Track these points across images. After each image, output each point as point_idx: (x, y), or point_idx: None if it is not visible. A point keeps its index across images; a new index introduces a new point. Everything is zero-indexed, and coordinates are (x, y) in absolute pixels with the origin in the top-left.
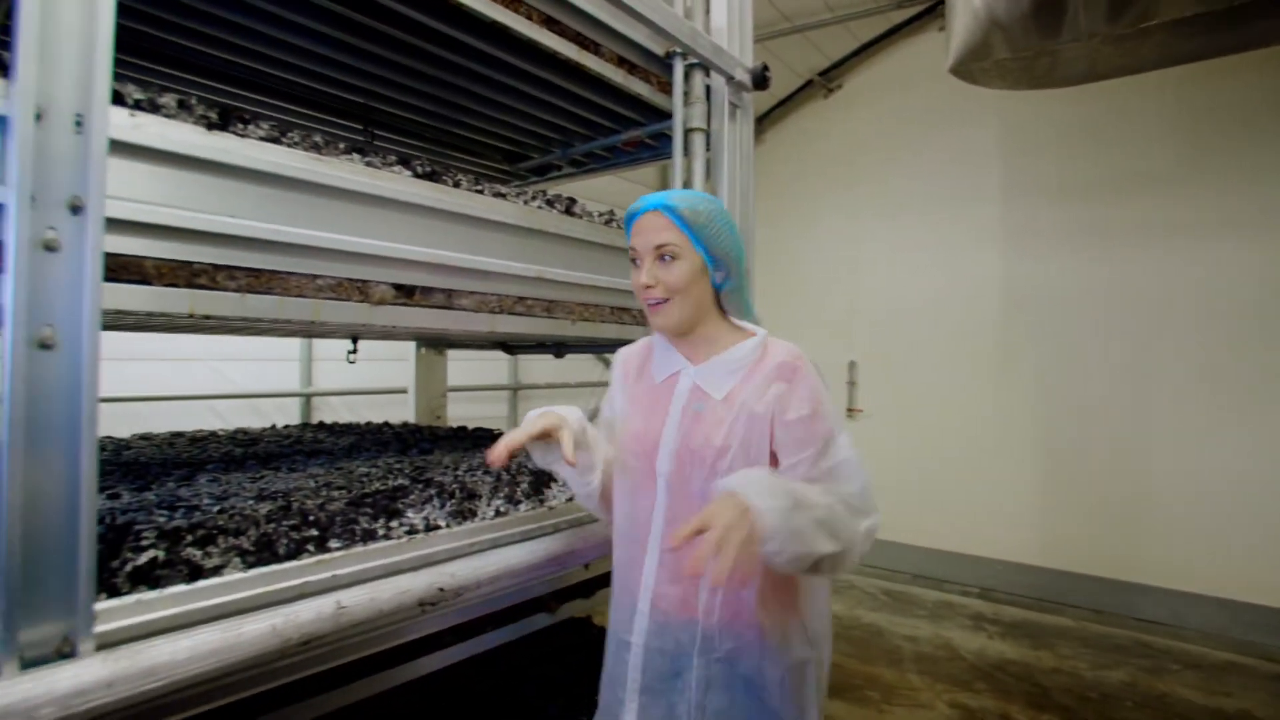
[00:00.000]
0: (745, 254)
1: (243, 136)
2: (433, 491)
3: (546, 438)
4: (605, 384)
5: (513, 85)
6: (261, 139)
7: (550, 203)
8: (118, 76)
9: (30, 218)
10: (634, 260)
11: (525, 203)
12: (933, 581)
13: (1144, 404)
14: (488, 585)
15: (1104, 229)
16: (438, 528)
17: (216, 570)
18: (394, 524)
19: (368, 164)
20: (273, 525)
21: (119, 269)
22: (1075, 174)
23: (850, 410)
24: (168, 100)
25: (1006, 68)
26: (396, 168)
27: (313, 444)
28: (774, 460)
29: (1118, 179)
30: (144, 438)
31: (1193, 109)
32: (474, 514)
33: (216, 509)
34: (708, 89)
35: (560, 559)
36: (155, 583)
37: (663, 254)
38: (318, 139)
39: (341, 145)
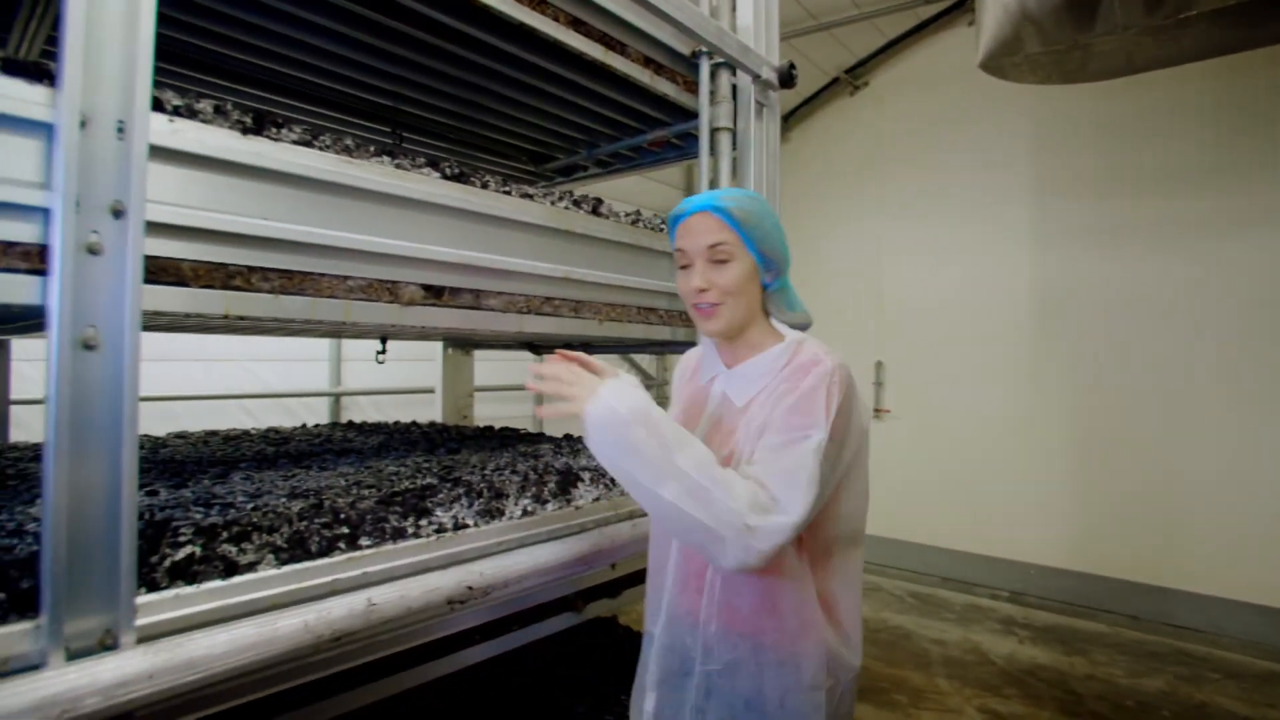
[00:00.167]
0: (790, 252)
1: (276, 140)
2: (461, 490)
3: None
4: None
5: (539, 86)
6: (294, 143)
7: (577, 203)
8: (156, 84)
9: (75, 222)
10: (682, 264)
11: (552, 203)
12: (961, 584)
13: (1180, 404)
14: (515, 584)
15: (1139, 226)
16: (466, 526)
17: (251, 566)
18: (423, 522)
19: (397, 166)
20: (305, 523)
21: (158, 271)
22: (1109, 170)
23: (876, 411)
24: (204, 106)
25: (1038, 62)
26: (425, 170)
27: (342, 443)
28: None
29: (1154, 175)
30: (180, 436)
31: (1233, 101)
32: (502, 513)
33: (250, 506)
34: (734, 88)
35: (587, 559)
36: (193, 578)
37: (716, 255)
38: (349, 142)
39: (372, 148)
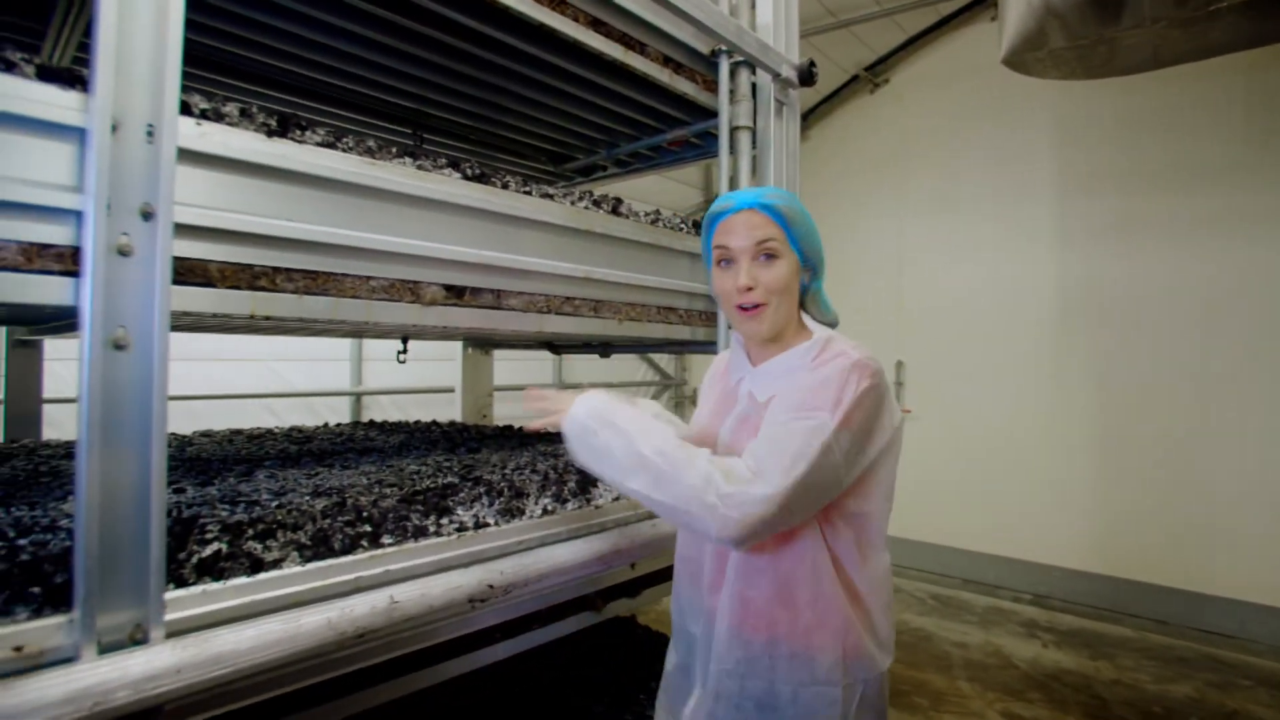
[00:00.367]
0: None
1: (300, 143)
2: (481, 489)
3: None
4: (649, 383)
5: (559, 87)
6: (318, 145)
7: (597, 203)
8: (184, 88)
9: (106, 224)
10: (721, 261)
11: (572, 203)
12: (983, 587)
13: (1208, 403)
14: (536, 583)
15: (1165, 223)
16: (487, 525)
17: (276, 563)
18: (444, 521)
19: (419, 168)
20: (328, 521)
21: (185, 272)
22: (1134, 166)
23: None
24: (231, 109)
25: (1062, 57)
26: (447, 170)
27: (364, 442)
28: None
29: (1180, 170)
30: (205, 434)
31: (1258, 96)
32: (522, 512)
33: (275, 504)
34: (753, 86)
35: (606, 558)
36: (219, 574)
37: (763, 251)
38: (371, 144)
39: (394, 150)
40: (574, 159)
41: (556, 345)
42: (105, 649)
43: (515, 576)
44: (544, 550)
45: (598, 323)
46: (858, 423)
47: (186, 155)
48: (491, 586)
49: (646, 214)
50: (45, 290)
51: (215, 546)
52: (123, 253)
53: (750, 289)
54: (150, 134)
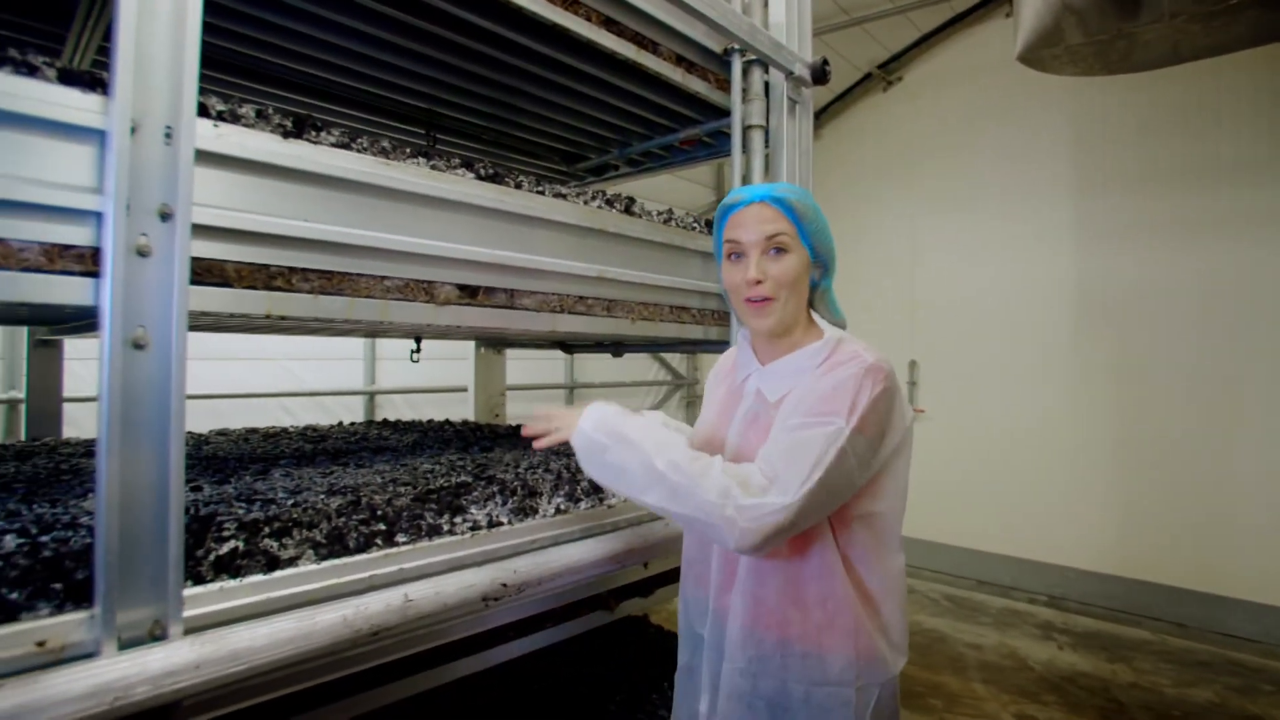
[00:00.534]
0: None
1: (315, 144)
2: (495, 488)
3: None
4: (661, 383)
5: (571, 86)
6: (333, 145)
7: (610, 202)
8: (201, 90)
9: (125, 225)
10: (731, 255)
11: (585, 203)
12: (998, 587)
13: (1227, 404)
14: (549, 582)
15: (1186, 221)
16: (500, 524)
17: (292, 561)
18: (458, 520)
19: (433, 168)
20: (343, 519)
21: (203, 272)
22: (1154, 164)
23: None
24: (247, 111)
25: (1079, 53)
26: (460, 170)
27: (378, 441)
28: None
29: (1201, 168)
30: (221, 433)
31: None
32: (535, 511)
33: (291, 502)
34: (766, 85)
35: (619, 557)
36: (236, 572)
37: (773, 245)
38: (385, 144)
39: (408, 150)
40: (586, 158)
41: (569, 345)
42: (125, 645)
43: (528, 575)
44: (557, 549)
45: (610, 322)
46: (872, 426)
47: (204, 156)
48: (505, 585)
49: (659, 213)
50: (66, 290)
51: (232, 544)
52: (142, 253)
53: (759, 282)
54: (168, 136)
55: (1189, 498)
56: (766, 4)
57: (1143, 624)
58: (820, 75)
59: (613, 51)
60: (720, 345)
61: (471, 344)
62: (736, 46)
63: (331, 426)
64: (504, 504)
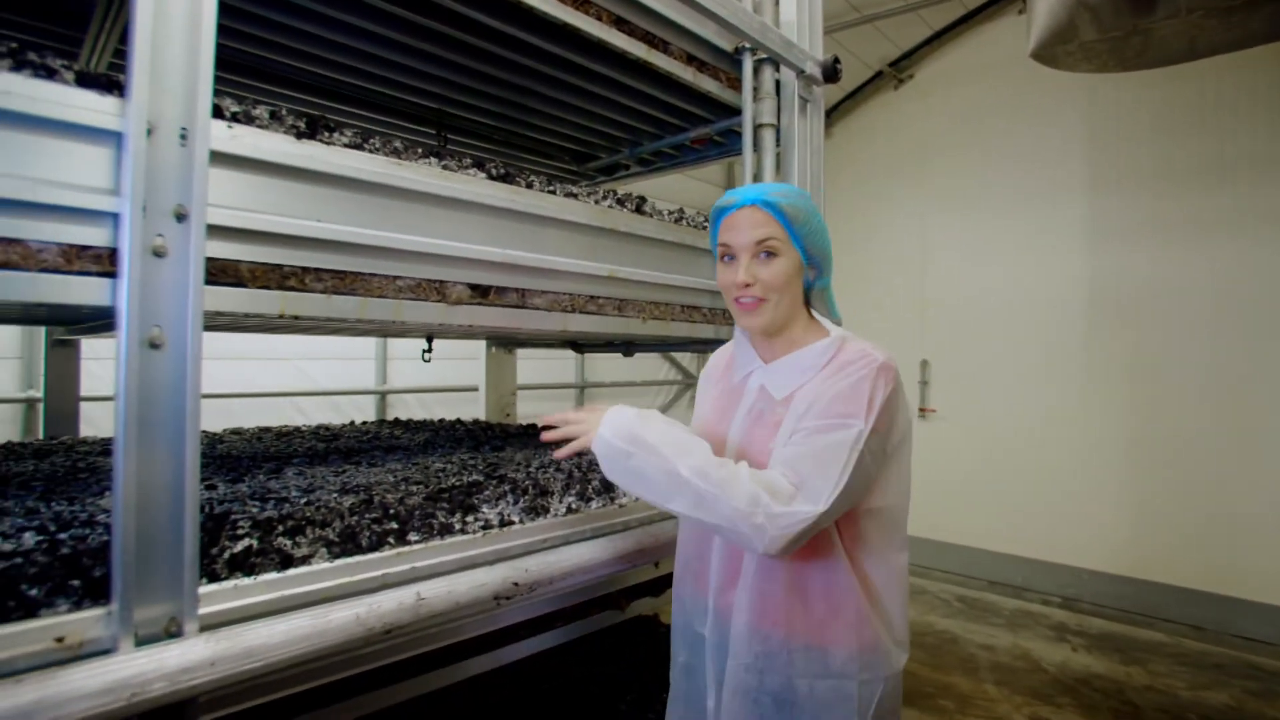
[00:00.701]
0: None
1: (328, 144)
2: (506, 487)
3: None
4: (671, 382)
5: (582, 86)
6: (345, 146)
7: (621, 202)
8: (215, 92)
9: (141, 226)
10: (724, 257)
11: (596, 202)
12: (1010, 588)
13: (1244, 404)
14: (560, 581)
15: (1200, 219)
16: (511, 523)
17: (305, 559)
18: (470, 519)
19: (445, 168)
20: (356, 518)
21: (217, 272)
22: (1169, 161)
23: (922, 410)
24: (261, 112)
25: (1093, 50)
26: (472, 170)
27: (390, 440)
28: None
29: (1217, 165)
30: (235, 432)
31: None
32: (546, 510)
33: (304, 501)
34: (777, 84)
35: (630, 556)
36: (250, 570)
37: (763, 250)
38: (397, 144)
39: (419, 150)
40: (597, 158)
41: (580, 344)
42: (142, 641)
43: (540, 574)
44: (568, 548)
45: (621, 321)
46: (884, 424)
47: (218, 158)
48: (517, 584)
49: (670, 212)
50: (84, 291)
51: (246, 542)
52: (158, 254)
53: (748, 285)
54: (184, 137)
55: (1204, 498)
56: (777, 2)
57: (1157, 626)
58: (831, 73)
59: (623, 51)
60: None
61: (483, 344)
62: (747, 45)
63: (344, 425)
64: (515, 503)
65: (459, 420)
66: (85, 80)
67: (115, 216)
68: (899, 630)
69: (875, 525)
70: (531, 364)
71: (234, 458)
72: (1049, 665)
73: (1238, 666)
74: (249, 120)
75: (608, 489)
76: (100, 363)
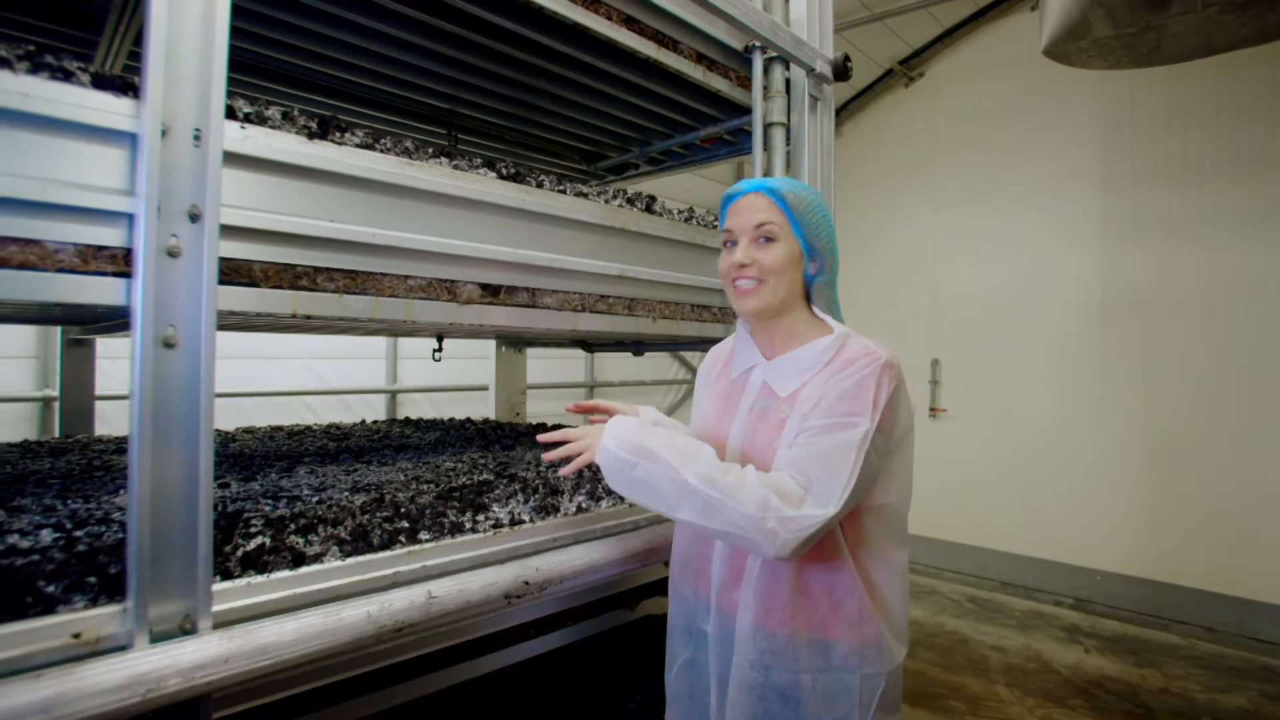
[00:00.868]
0: (839, 250)
1: (340, 145)
2: (517, 487)
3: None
4: (680, 381)
5: (592, 85)
6: (357, 146)
7: (631, 201)
8: (228, 93)
9: (156, 226)
10: (727, 242)
11: (606, 201)
12: (1022, 589)
13: (1260, 403)
14: (571, 580)
15: (1217, 216)
16: (522, 522)
17: (317, 558)
18: (480, 517)
19: (455, 168)
20: (367, 516)
21: (230, 272)
22: (1183, 158)
23: (933, 410)
24: (273, 113)
25: (1107, 46)
26: (482, 170)
27: (400, 439)
28: None
29: (1232, 161)
30: (247, 431)
31: None
32: (557, 510)
33: (316, 500)
34: (787, 82)
35: (640, 555)
36: (263, 568)
37: (762, 234)
38: (408, 144)
39: (430, 150)
40: (606, 157)
41: (590, 343)
42: (156, 638)
43: (550, 573)
44: (578, 548)
45: (631, 321)
46: (888, 422)
47: (231, 158)
48: (527, 583)
49: (680, 211)
50: (100, 291)
51: (259, 540)
52: (172, 254)
53: (745, 266)
54: (197, 138)
55: (1219, 498)
56: (787, 0)
57: (1171, 628)
58: (842, 72)
59: (633, 50)
60: None
61: (492, 343)
62: (757, 44)
63: (354, 424)
64: (526, 502)
65: (469, 419)
66: (101, 82)
67: (130, 217)
68: (899, 625)
69: (877, 522)
70: (541, 363)
71: (246, 456)
72: (1061, 667)
73: (1254, 669)
74: (261, 121)
75: None
76: (115, 362)
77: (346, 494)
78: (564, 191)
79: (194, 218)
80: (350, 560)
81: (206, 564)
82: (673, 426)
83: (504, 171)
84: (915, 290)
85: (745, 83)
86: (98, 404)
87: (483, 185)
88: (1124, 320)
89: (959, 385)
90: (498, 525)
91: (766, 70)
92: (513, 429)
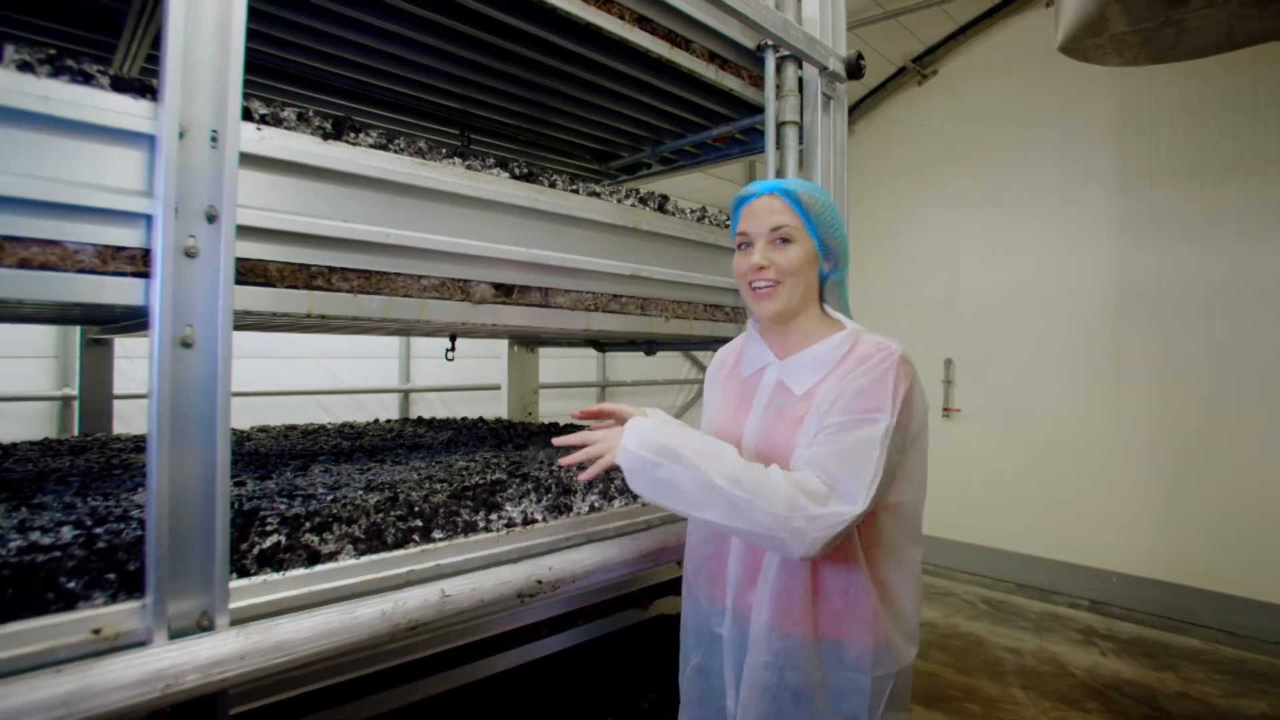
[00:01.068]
0: (850, 247)
1: (354, 145)
2: (529, 486)
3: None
4: (692, 381)
5: (604, 85)
6: (371, 146)
7: (643, 200)
8: (244, 95)
9: (174, 227)
10: (741, 245)
11: (619, 201)
12: (1037, 591)
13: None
14: (584, 579)
15: (1234, 214)
16: (535, 521)
17: (332, 556)
18: (493, 517)
19: (469, 168)
20: (381, 515)
21: (246, 272)
22: (1203, 155)
23: (947, 409)
24: (288, 114)
25: (1125, 42)
26: (495, 170)
27: (413, 438)
28: None
29: (1252, 158)
30: (262, 430)
31: None
32: (569, 509)
33: (330, 498)
34: (800, 81)
35: (653, 555)
36: (279, 565)
37: (778, 236)
38: (422, 145)
39: (443, 150)
40: (619, 157)
41: (602, 343)
42: (175, 634)
43: (563, 572)
44: (591, 547)
45: (644, 320)
46: (906, 417)
47: (247, 159)
48: (540, 582)
49: (692, 211)
50: (119, 291)
51: (275, 538)
52: (189, 254)
53: (763, 268)
54: (214, 139)
55: (1237, 500)
56: None
57: (1192, 632)
58: (855, 70)
59: (645, 49)
60: None
61: (505, 342)
62: (770, 42)
63: (368, 424)
64: (538, 501)
65: (481, 419)
66: (120, 85)
67: (148, 218)
68: (910, 625)
69: (894, 520)
70: (553, 363)
71: (262, 455)
72: (1077, 670)
73: (1276, 674)
74: (277, 122)
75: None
76: (133, 361)
77: (361, 493)
78: (577, 191)
79: (211, 218)
80: (365, 559)
81: (223, 561)
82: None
83: (517, 171)
84: (929, 290)
85: (758, 81)
86: (116, 403)
87: (496, 185)
88: (1139, 319)
89: (973, 385)
90: (511, 524)
91: (779, 69)
92: (525, 428)
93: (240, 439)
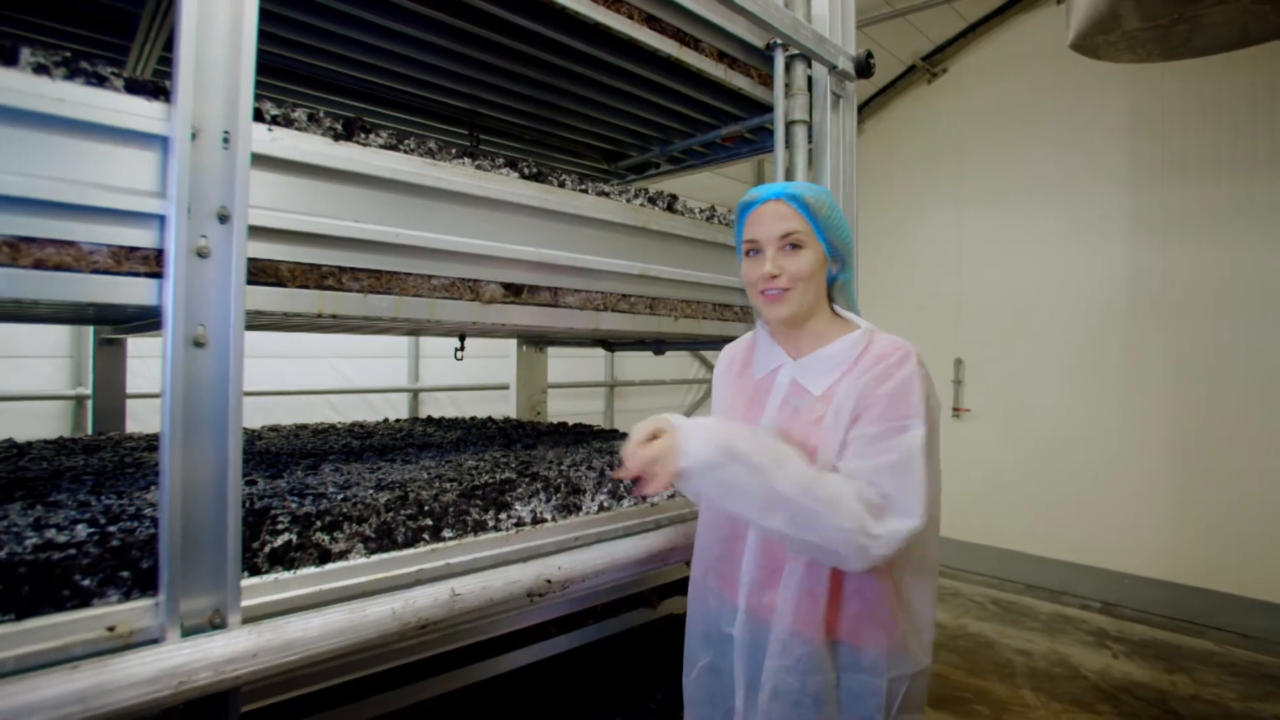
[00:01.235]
0: (855, 246)
1: (365, 146)
2: (539, 485)
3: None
4: (701, 380)
5: (613, 85)
6: (381, 147)
7: (652, 200)
8: (255, 96)
9: (187, 227)
10: (749, 252)
11: (628, 201)
12: (1047, 592)
13: None
14: (593, 578)
15: (1246, 213)
16: (544, 521)
17: (343, 555)
18: (503, 516)
19: (478, 168)
20: (391, 514)
21: (258, 272)
22: (1215, 153)
23: (956, 410)
24: (299, 115)
25: (1137, 39)
26: (505, 170)
27: (423, 437)
28: None
29: (1265, 156)
30: (273, 429)
31: None
32: (579, 508)
33: (341, 497)
34: (809, 80)
35: (663, 555)
36: (290, 564)
37: (788, 243)
38: (431, 145)
39: (453, 150)
40: (627, 156)
41: (610, 342)
42: (188, 632)
43: (572, 572)
44: (600, 546)
45: (653, 320)
46: (932, 419)
47: (259, 160)
48: (549, 581)
49: (701, 210)
50: (132, 291)
51: (286, 537)
52: (201, 254)
53: (775, 277)
54: (226, 140)
55: (1250, 500)
56: None
57: (1204, 634)
58: (864, 69)
59: (654, 49)
60: None
61: (513, 342)
62: (779, 41)
63: (377, 423)
64: (548, 500)
65: (490, 418)
66: (133, 86)
67: (161, 218)
68: (924, 628)
69: None
70: (562, 362)
71: (272, 454)
72: (1088, 672)
73: None
74: (288, 123)
75: None
76: (145, 361)
77: (371, 492)
78: (586, 191)
79: (223, 219)
80: (375, 557)
81: (235, 560)
82: None
83: (526, 171)
84: (938, 290)
85: (767, 80)
86: (129, 402)
87: (505, 185)
88: (1150, 319)
89: (983, 385)
90: (520, 524)
91: (788, 68)
92: (534, 428)
93: (251, 438)
